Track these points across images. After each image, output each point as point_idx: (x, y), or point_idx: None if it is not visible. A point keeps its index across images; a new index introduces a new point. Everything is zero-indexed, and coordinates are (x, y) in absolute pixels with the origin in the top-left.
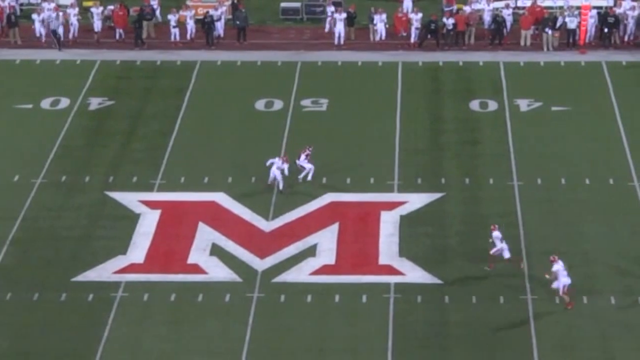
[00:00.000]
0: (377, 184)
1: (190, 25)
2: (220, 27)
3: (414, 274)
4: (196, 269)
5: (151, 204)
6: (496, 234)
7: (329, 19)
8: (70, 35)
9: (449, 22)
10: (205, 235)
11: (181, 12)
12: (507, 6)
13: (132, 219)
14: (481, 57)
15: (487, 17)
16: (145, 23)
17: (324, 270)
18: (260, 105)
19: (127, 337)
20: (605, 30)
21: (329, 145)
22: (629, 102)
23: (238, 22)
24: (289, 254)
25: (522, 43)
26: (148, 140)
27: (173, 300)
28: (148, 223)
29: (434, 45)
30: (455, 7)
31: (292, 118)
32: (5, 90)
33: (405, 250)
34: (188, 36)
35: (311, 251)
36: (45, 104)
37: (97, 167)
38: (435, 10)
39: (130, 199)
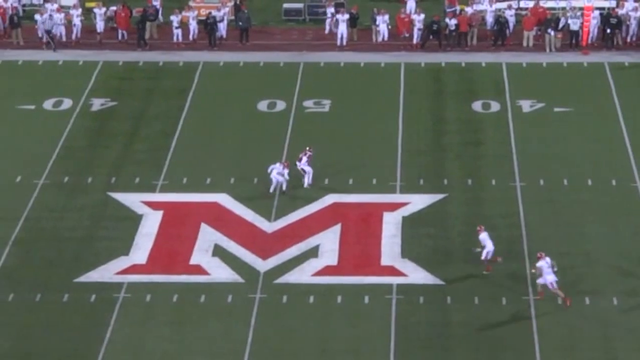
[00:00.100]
0: (380, 185)
1: (193, 26)
2: (222, 28)
3: (416, 274)
4: (198, 269)
5: (154, 205)
6: (482, 236)
7: (328, 20)
8: (73, 36)
9: (452, 22)
10: (208, 236)
11: (184, 13)
12: (509, 7)
13: (135, 219)
14: (484, 58)
15: (489, 18)
16: (148, 24)
17: (327, 271)
18: (262, 106)
19: (130, 338)
20: (608, 31)
21: (331, 146)
22: (631, 103)
23: (240, 23)
24: (291, 255)
25: (524, 44)
26: (150, 141)
27: (175, 301)
28: (150, 224)
29: (437, 46)
30: (457, 7)
31: (295, 119)
32: (8, 91)
33: (408, 251)
34: (191, 37)
35: (313, 252)
36: (48, 104)
37: (100, 167)
38: (437, 11)
39: (132, 200)
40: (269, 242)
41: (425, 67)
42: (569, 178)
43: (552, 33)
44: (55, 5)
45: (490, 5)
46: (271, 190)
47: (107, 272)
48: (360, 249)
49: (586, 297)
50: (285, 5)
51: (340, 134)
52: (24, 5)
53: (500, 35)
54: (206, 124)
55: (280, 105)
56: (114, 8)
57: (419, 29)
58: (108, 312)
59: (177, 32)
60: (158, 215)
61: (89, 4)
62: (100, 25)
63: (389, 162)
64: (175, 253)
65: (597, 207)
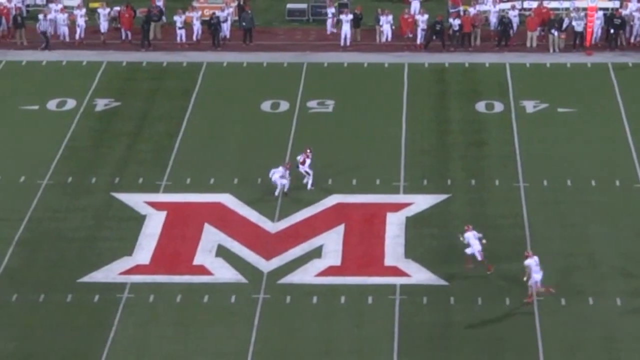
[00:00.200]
0: (383, 185)
1: (197, 26)
2: (226, 28)
3: (420, 275)
4: (202, 270)
5: (157, 205)
6: (468, 234)
7: (329, 20)
8: (77, 37)
9: (455, 23)
10: (211, 236)
11: (188, 14)
12: (513, 7)
13: (138, 220)
14: (487, 58)
15: (493, 19)
16: (152, 24)
17: (330, 271)
18: (266, 106)
19: (133, 338)
20: (612, 31)
21: (334, 146)
22: (635, 104)
23: (244, 24)
24: (294, 256)
25: (528, 44)
26: (154, 141)
27: (179, 301)
28: (154, 224)
29: (440, 46)
30: (461, 8)
31: (298, 119)
32: (12, 92)
33: (411, 251)
34: (194, 37)
35: (317, 252)
36: (52, 105)
37: (103, 168)
38: (441, 11)
39: (136, 200)
40: (273, 243)
41: (429, 68)
42: (572, 179)
43: (556, 33)
44: (60, 6)
45: (494, 6)
46: (276, 193)
47: (110, 273)
48: (363, 250)
49: (590, 297)
50: (289, 6)
51: (343, 134)
52: (27, 6)
53: (503, 35)
54: (210, 124)
55: (284, 106)
56: (117, 8)
57: (423, 30)
58: (111, 313)
59: (181, 33)
60: (161, 215)
61: (92, 5)
62: (104, 26)
63: (393, 162)
64: (178, 253)
65: (601, 208)
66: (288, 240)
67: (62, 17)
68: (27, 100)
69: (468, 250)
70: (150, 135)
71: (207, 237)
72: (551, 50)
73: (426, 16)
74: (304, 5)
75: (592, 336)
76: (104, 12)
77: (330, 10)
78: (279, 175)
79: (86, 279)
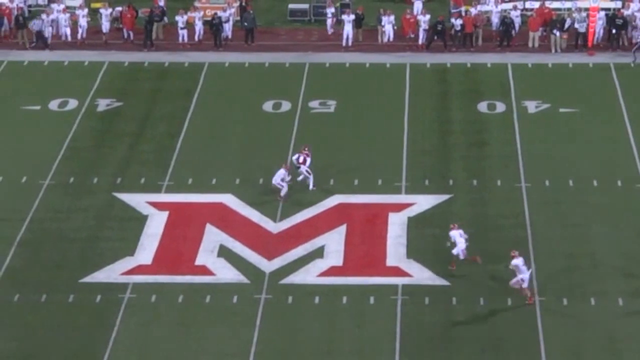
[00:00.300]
0: (385, 186)
1: (199, 26)
2: (228, 28)
3: (422, 275)
4: (204, 270)
5: (159, 206)
6: (453, 233)
7: (329, 20)
8: (79, 37)
9: (457, 23)
10: (213, 236)
11: (190, 14)
12: (515, 8)
13: (140, 220)
14: (489, 58)
15: (495, 19)
16: (154, 24)
17: (332, 271)
18: (268, 106)
19: (135, 339)
20: (614, 31)
21: (336, 146)
22: (637, 104)
23: (246, 24)
24: (296, 256)
25: (530, 45)
26: (156, 141)
27: (181, 301)
28: (156, 224)
29: (442, 46)
30: (463, 8)
31: (300, 119)
32: (13, 92)
33: (413, 251)
34: (196, 38)
35: (319, 253)
36: (53, 105)
37: (105, 168)
38: (443, 12)
39: (138, 201)
40: (274, 243)
41: (431, 68)
42: (574, 179)
43: (558, 34)
44: (62, 6)
45: (496, 6)
46: (282, 194)
47: (112, 273)
48: (365, 250)
49: (591, 297)
50: (291, 6)
51: (345, 134)
52: (29, 6)
53: (505, 36)
54: (211, 125)
55: (286, 106)
56: (119, 8)
57: (425, 30)
58: (113, 313)
59: (183, 33)
60: (163, 215)
61: (94, 5)
62: (105, 26)
63: (395, 162)
64: (180, 254)
65: (603, 208)
66: (290, 241)
67: (64, 17)
68: (28, 100)
69: (454, 251)
70: (152, 136)
71: (209, 238)
72: (553, 51)
73: (428, 16)
74: (305, 6)
75: (594, 336)
76: (105, 12)
77: (330, 11)
78: (280, 180)
79: (88, 279)
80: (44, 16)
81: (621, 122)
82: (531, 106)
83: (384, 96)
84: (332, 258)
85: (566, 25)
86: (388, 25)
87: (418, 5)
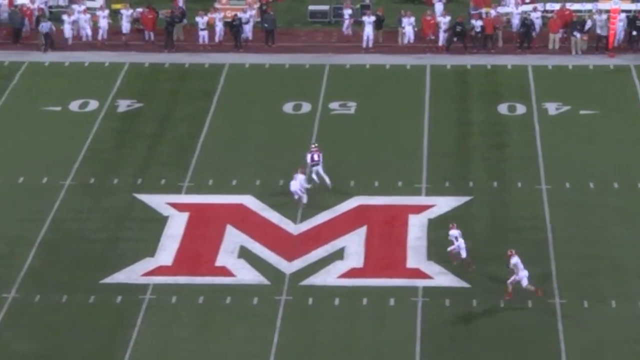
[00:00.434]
0: (405, 187)
1: (219, 27)
2: (248, 29)
3: (442, 277)
4: (224, 271)
5: (179, 207)
6: (453, 232)
7: (346, 22)
8: (99, 37)
9: (477, 24)
10: (233, 237)
11: (210, 15)
12: (535, 9)
13: (160, 221)
14: (509, 60)
15: (515, 21)
16: (175, 26)
17: (352, 273)
18: (288, 108)
19: (155, 340)
20: (634, 33)
21: (356, 148)
22: None
23: (266, 25)
24: (316, 257)
25: (550, 46)
26: (176, 142)
27: (201, 302)
28: (176, 225)
29: (462, 48)
30: (483, 10)
31: (320, 121)
32: (34, 93)
33: (433, 253)
34: (217, 39)
35: (339, 254)
36: (74, 106)
37: (126, 169)
38: (463, 13)
39: (158, 202)
40: (295, 244)
41: (451, 70)
42: (595, 181)
43: (578, 35)
44: (82, 7)
45: (516, 8)
46: (304, 201)
47: (132, 274)
48: (385, 252)
49: (612, 300)
50: (311, 7)
51: (365, 136)
52: (50, 7)
53: (526, 37)
54: (232, 126)
55: (306, 107)
56: (140, 10)
57: (445, 31)
58: (134, 314)
59: (203, 34)
60: (184, 216)
61: (115, 6)
62: (126, 27)
63: (415, 164)
64: (200, 255)
65: (623, 211)
66: (310, 242)
67: (85, 18)
68: (49, 101)
69: (454, 248)
70: (172, 137)
71: (229, 239)
72: (573, 52)
73: (448, 18)
74: (325, 7)
75: (614, 339)
76: (126, 13)
77: (347, 12)
78: (300, 186)
79: (108, 280)
80: (65, 17)
81: None
82: (551, 108)
83: (404, 98)
84: (352, 260)
85: (586, 27)
86: (408, 26)
87: (439, 7)
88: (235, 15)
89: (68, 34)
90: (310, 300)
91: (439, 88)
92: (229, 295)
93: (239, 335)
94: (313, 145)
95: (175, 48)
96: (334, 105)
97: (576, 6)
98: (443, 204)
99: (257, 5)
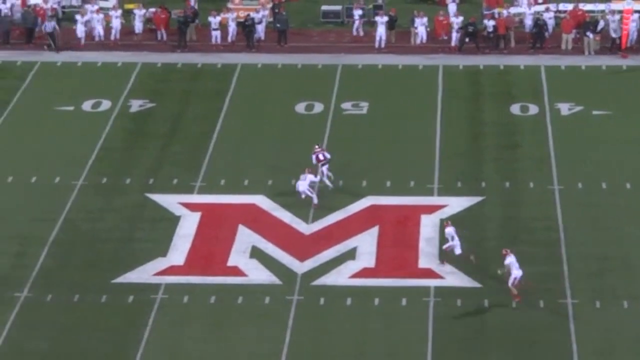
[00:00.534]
0: (417, 188)
1: (232, 27)
2: (261, 29)
3: (454, 277)
4: (236, 271)
5: (191, 206)
6: (449, 230)
7: (356, 22)
8: (112, 37)
9: (490, 24)
10: (245, 237)
11: (223, 15)
12: (547, 9)
13: (172, 221)
14: (522, 60)
15: (528, 21)
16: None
17: (364, 273)
18: (300, 108)
19: (167, 339)
20: None
21: (368, 148)
22: None
23: (279, 25)
24: (328, 257)
25: (563, 47)
26: (188, 142)
27: (213, 302)
28: (188, 225)
29: (475, 48)
30: (496, 10)
31: (333, 121)
32: (47, 93)
33: (445, 253)
34: (229, 39)
35: (351, 254)
36: (87, 106)
37: (138, 169)
38: (476, 13)
39: (170, 201)
40: (307, 244)
41: (464, 70)
42: (607, 181)
43: (591, 36)
44: (95, 7)
45: (529, 8)
46: (315, 202)
47: (144, 273)
48: (397, 252)
49: (624, 301)
50: (323, 8)
51: (377, 136)
52: (63, 7)
53: (538, 38)
54: (244, 126)
55: (318, 107)
56: (152, 10)
57: (457, 31)
58: (146, 313)
59: (216, 34)
60: (196, 216)
61: (128, 6)
62: (138, 27)
63: (427, 164)
64: (212, 254)
65: (635, 211)
66: (322, 242)
67: (98, 18)
68: (62, 101)
69: (456, 250)
70: (184, 137)
71: (241, 239)
72: (586, 53)
73: (461, 18)
74: (338, 7)
75: (626, 339)
76: (139, 12)
77: (357, 13)
78: (308, 186)
79: (120, 279)
80: (77, 17)
81: None
82: (564, 108)
83: (416, 98)
84: (364, 260)
85: (599, 27)
86: (421, 27)
87: (452, 7)
88: (248, 15)
89: (81, 34)
90: (322, 300)
91: (451, 88)
92: (241, 295)
93: (250, 335)
94: (316, 147)
95: (187, 48)
96: (346, 105)
97: (589, 6)
98: (455, 204)
99: (269, 6)
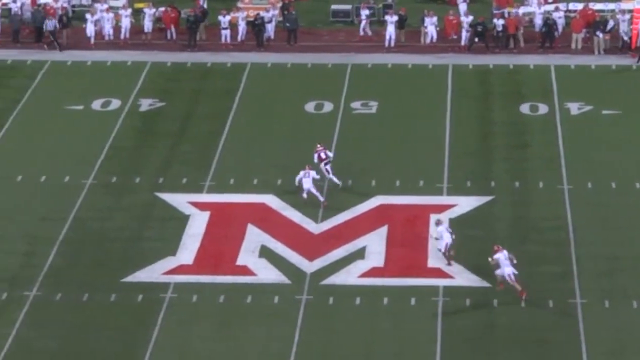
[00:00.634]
0: (427, 187)
1: (242, 27)
2: (270, 29)
3: (463, 277)
4: (245, 270)
5: (201, 206)
6: (440, 228)
7: (363, 22)
8: (122, 36)
9: (499, 23)
10: (255, 237)
11: (233, 14)
12: (556, 9)
13: (182, 220)
14: (532, 60)
15: (538, 20)
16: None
17: (373, 272)
18: (310, 107)
19: (176, 338)
20: None
21: (378, 147)
22: None
23: (288, 24)
24: (337, 257)
25: (573, 46)
26: (198, 141)
27: (222, 301)
28: (197, 224)
29: (484, 48)
30: (506, 10)
31: (342, 120)
32: (56, 92)
33: (455, 253)
34: (239, 38)
35: (360, 254)
36: (96, 105)
37: (147, 168)
38: (486, 13)
39: (179, 201)
40: (316, 244)
41: (473, 69)
42: (617, 181)
43: (601, 35)
44: (105, 6)
45: (539, 7)
46: (322, 199)
47: (154, 273)
48: (406, 251)
49: (634, 300)
50: (333, 7)
51: (387, 135)
52: (73, 6)
53: (547, 37)
54: (253, 125)
55: (328, 107)
56: (162, 9)
57: (467, 31)
58: (155, 312)
59: (225, 33)
60: (205, 215)
61: (138, 5)
62: (148, 26)
63: (436, 163)
64: (221, 254)
65: None
66: (331, 242)
67: (108, 17)
68: (71, 100)
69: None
70: (194, 136)
71: (251, 238)
72: (596, 52)
73: (471, 17)
74: (348, 7)
75: (637, 340)
76: (149, 12)
77: (364, 13)
78: (311, 183)
79: (130, 278)
80: (87, 16)
81: None
82: (574, 108)
83: (426, 97)
84: (373, 259)
85: (608, 27)
86: (431, 26)
87: (463, 7)
88: (258, 14)
89: (90, 33)
90: (331, 300)
91: (461, 88)
92: (250, 295)
93: (259, 335)
94: (319, 145)
95: (197, 47)
96: (355, 104)
97: (599, 6)
98: (464, 204)
99: (279, 5)
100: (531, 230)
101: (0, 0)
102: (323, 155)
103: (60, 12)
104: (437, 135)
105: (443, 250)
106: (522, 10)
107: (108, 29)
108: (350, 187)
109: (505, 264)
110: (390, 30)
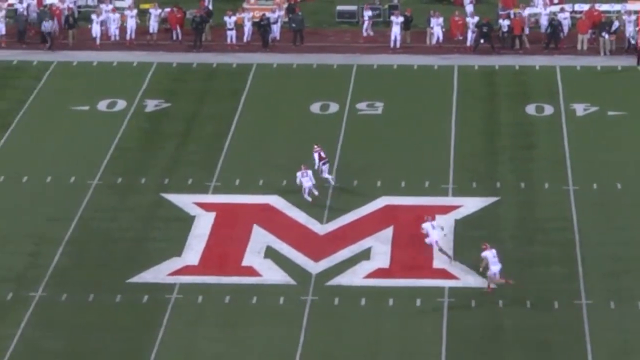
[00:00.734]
0: (432, 188)
1: (248, 27)
2: (276, 29)
3: (468, 278)
4: (250, 271)
5: (206, 206)
6: (426, 225)
7: (366, 23)
8: (127, 37)
9: (504, 24)
10: (260, 237)
11: (238, 15)
12: (562, 10)
13: (187, 221)
14: (537, 61)
15: (543, 21)
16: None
17: (378, 273)
18: (315, 108)
19: (181, 339)
20: None
21: (383, 148)
22: None
23: (294, 25)
24: (343, 257)
25: (578, 47)
26: (203, 142)
27: (227, 302)
28: (203, 225)
29: (490, 48)
30: (512, 11)
31: (348, 121)
32: (62, 92)
33: (460, 254)
34: (245, 39)
35: (365, 254)
36: (102, 105)
37: (153, 168)
38: (491, 14)
39: (185, 201)
40: (321, 244)
41: (479, 70)
42: (622, 182)
43: (607, 36)
44: (110, 6)
45: (545, 8)
46: (317, 193)
47: (159, 273)
48: (412, 252)
49: (639, 302)
50: (339, 8)
51: (392, 136)
52: (79, 7)
53: (554, 38)
54: (259, 126)
55: (333, 108)
56: (167, 9)
57: (473, 32)
58: (160, 313)
59: (231, 34)
60: (210, 216)
61: (143, 5)
62: (153, 26)
63: (442, 164)
64: (227, 254)
65: None
66: (336, 242)
67: (113, 18)
68: (77, 100)
69: (427, 240)
70: (199, 136)
71: (256, 239)
72: (602, 53)
73: (477, 18)
74: (353, 7)
75: None
76: (155, 12)
77: (367, 14)
78: (310, 183)
79: (135, 279)
80: (93, 16)
81: None
82: (579, 109)
83: (431, 98)
84: (379, 260)
85: (614, 28)
86: (437, 27)
87: (469, 8)
88: (264, 15)
89: (96, 33)
90: (337, 301)
91: (466, 88)
92: (255, 295)
93: (264, 335)
94: (315, 146)
95: (203, 48)
96: (361, 105)
97: (605, 7)
98: (470, 205)
99: (285, 6)
100: (537, 231)
101: (6, 1)
102: (323, 155)
103: (66, 12)
104: (443, 136)
105: (436, 247)
106: (527, 11)
107: (114, 30)
108: (355, 187)
109: (493, 262)
110: (396, 31)
